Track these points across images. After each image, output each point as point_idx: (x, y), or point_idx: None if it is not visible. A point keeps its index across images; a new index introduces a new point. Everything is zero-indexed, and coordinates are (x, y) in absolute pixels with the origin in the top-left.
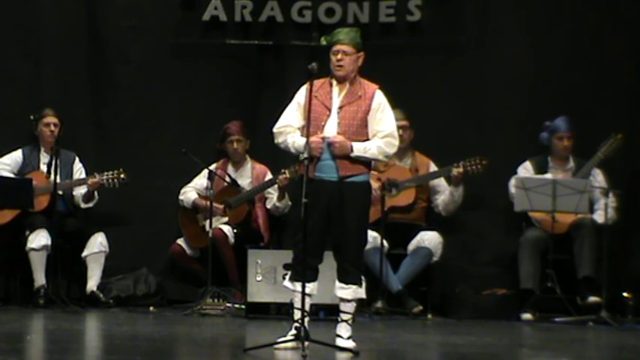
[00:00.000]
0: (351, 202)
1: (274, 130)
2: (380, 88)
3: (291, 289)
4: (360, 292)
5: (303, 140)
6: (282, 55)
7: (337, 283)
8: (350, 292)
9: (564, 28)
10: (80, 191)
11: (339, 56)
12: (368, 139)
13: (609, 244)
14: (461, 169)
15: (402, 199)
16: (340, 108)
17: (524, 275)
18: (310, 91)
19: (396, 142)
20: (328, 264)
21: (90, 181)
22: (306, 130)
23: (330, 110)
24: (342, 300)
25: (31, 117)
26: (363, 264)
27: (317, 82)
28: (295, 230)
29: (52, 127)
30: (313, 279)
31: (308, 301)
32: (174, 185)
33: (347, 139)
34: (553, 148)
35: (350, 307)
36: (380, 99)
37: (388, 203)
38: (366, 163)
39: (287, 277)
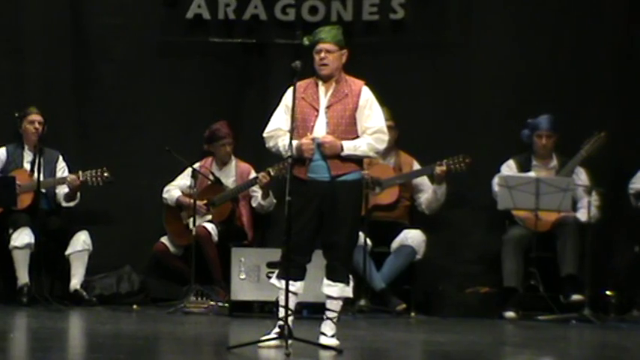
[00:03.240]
0: (344, 200)
1: (264, 134)
2: (366, 84)
3: (278, 287)
4: (347, 291)
5: (295, 142)
6: (266, 53)
7: (325, 280)
8: (337, 290)
9: (548, 27)
10: (63, 190)
11: (323, 54)
12: (357, 137)
13: (592, 243)
14: (444, 167)
15: (386, 197)
16: (328, 107)
17: (507, 273)
18: (294, 90)
19: (386, 138)
20: (312, 262)
21: (69, 178)
22: (291, 130)
23: (317, 110)
24: (329, 297)
25: (16, 114)
26: (352, 263)
27: (302, 84)
28: (284, 229)
29: (37, 125)
30: (300, 278)
31: (294, 299)
32: (158, 183)
33: (336, 138)
34: (533, 145)
35: (336, 305)
36: (367, 95)
37: (371, 201)
38: (357, 160)
39: (275, 274)
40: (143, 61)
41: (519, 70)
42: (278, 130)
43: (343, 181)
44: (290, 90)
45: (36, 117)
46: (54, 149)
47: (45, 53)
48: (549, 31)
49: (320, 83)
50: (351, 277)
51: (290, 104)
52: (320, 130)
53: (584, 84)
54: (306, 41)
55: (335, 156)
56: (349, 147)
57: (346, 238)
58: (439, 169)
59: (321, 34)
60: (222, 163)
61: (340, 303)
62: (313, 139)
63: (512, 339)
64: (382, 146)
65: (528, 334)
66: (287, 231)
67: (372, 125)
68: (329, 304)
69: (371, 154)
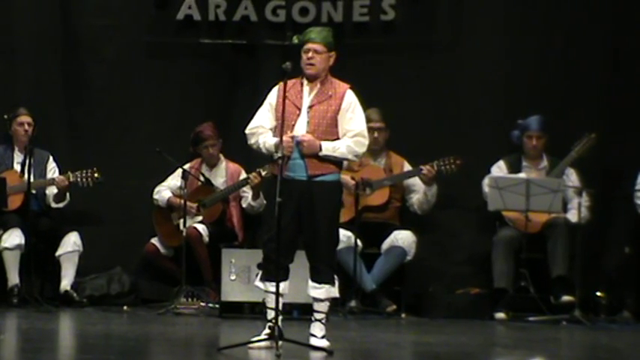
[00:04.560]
0: (321, 201)
1: (246, 131)
2: (351, 88)
3: (261, 288)
4: (333, 292)
5: (274, 140)
6: (256, 54)
7: (310, 283)
8: (323, 292)
9: (538, 28)
10: (53, 191)
11: (310, 54)
12: (338, 139)
13: (582, 244)
14: (431, 168)
15: (376, 198)
16: (310, 107)
17: (497, 274)
18: (284, 90)
19: (366, 142)
20: (301, 263)
21: (57, 178)
22: (279, 129)
23: (300, 109)
24: (316, 299)
25: (5, 116)
26: (335, 263)
27: (289, 83)
28: (265, 229)
29: (26, 127)
30: (284, 278)
31: (279, 300)
32: (149, 184)
33: (316, 138)
34: (523, 146)
35: (323, 307)
36: (350, 98)
37: (362, 203)
38: (336, 162)
39: (257, 276)
40: (133, 61)
41: (509, 71)
42: (259, 127)
43: (321, 181)
44: (275, 88)
45: (25, 118)
46: (44, 150)
47: (35, 54)
48: (539, 32)
49: (305, 83)
50: (335, 276)
51: (274, 102)
52: (300, 129)
53: (573, 85)
54: (295, 40)
55: (313, 155)
56: (328, 147)
57: (326, 239)
58: (426, 169)
59: (311, 34)
60: (210, 165)
61: (327, 304)
62: (293, 137)
63: (502, 340)
64: (361, 150)
65: (519, 335)
66: (276, 231)
67: (353, 128)
68: (316, 305)
69: (349, 156)
